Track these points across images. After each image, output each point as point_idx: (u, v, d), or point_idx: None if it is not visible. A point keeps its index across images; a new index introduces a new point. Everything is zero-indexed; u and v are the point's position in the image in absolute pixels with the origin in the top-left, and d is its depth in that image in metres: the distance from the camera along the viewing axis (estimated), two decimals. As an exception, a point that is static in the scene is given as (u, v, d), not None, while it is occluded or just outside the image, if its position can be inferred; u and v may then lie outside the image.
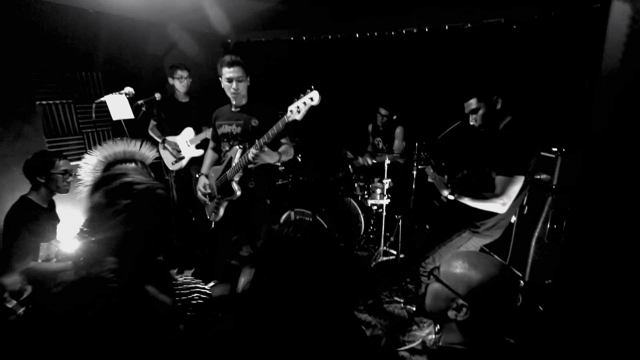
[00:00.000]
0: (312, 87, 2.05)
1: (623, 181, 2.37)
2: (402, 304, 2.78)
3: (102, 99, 2.16)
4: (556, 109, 3.01)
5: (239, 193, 2.35)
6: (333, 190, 3.64)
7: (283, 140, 2.38)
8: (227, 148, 2.43)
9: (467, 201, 1.98)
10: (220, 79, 2.32)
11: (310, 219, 0.92)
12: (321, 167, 3.73)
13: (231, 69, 2.25)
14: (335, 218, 3.21)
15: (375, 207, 3.41)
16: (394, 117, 3.69)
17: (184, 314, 1.07)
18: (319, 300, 0.83)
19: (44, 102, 2.88)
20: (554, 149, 2.61)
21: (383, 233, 3.37)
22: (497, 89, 1.95)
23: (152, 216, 0.96)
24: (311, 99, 2.04)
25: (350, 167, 3.69)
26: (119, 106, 2.14)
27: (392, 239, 3.51)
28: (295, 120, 2.06)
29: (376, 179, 3.40)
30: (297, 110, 2.03)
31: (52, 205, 2.20)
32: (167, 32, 3.82)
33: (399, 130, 3.69)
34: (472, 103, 1.98)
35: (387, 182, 3.27)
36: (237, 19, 3.84)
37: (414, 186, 2.91)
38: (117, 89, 2.45)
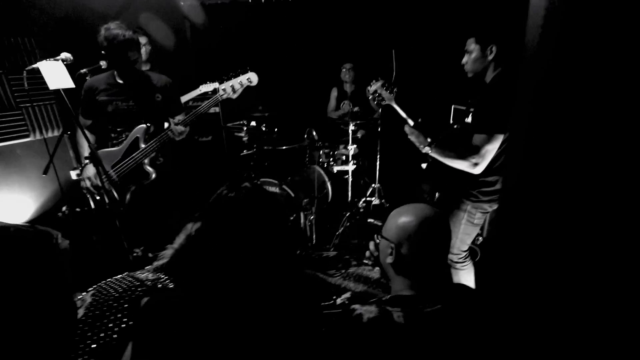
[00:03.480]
0: (248, 68, 2.10)
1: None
2: (371, 266, 2.88)
3: (34, 65, 1.94)
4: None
5: (154, 175, 2.17)
6: (299, 159, 3.61)
7: (180, 116, 2.24)
8: (122, 127, 2.20)
9: (438, 156, 1.87)
10: (104, 42, 2.08)
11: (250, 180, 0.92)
12: (286, 135, 3.66)
13: (132, 37, 2.05)
14: (302, 186, 3.20)
15: (344, 175, 3.43)
16: (351, 76, 3.61)
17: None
18: (263, 263, 0.83)
19: (-32, 74, 2.56)
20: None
21: (350, 199, 3.41)
22: (494, 36, 1.77)
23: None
24: (249, 79, 2.11)
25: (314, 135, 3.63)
26: (55, 74, 1.93)
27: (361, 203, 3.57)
28: (229, 99, 2.09)
29: (341, 146, 3.39)
30: (231, 90, 2.08)
31: None
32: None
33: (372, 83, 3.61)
34: (470, 42, 1.84)
35: (352, 148, 3.27)
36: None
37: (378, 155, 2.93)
38: (55, 55, 2.21)
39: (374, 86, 2.14)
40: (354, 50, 3.78)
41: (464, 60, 1.88)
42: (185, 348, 0.73)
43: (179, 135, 2.09)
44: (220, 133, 4.42)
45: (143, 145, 2.12)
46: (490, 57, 1.78)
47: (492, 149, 1.75)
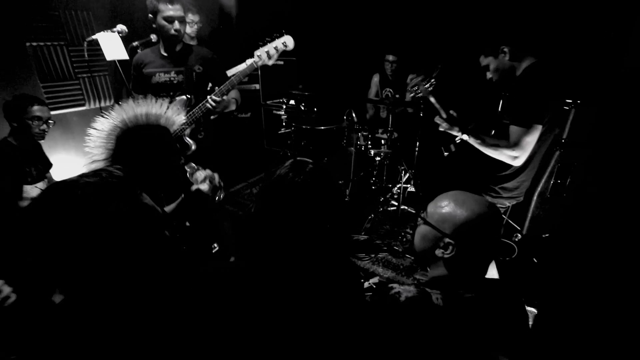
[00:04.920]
0: (284, 31, 1.98)
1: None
2: (401, 254, 2.86)
3: (93, 36, 2.04)
4: (573, 57, 2.83)
5: (194, 147, 2.12)
6: (336, 140, 3.59)
7: (232, 93, 2.23)
8: (165, 99, 2.26)
9: (478, 144, 1.83)
10: (151, 16, 2.08)
11: (311, 162, 0.91)
12: (324, 116, 3.64)
13: (173, 6, 2.03)
14: (338, 168, 3.20)
15: (378, 159, 3.38)
16: (394, 67, 3.51)
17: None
18: (318, 242, 0.84)
19: (34, 44, 2.75)
20: (568, 101, 2.49)
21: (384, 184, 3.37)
22: (503, 37, 1.76)
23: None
24: (284, 43, 1.98)
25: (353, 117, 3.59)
26: (112, 45, 2.03)
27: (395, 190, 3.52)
28: (265, 65, 2.01)
29: (380, 130, 3.33)
30: (267, 55, 1.98)
31: (35, 149, 2.17)
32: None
33: (412, 78, 3.51)
34: (482, 61, 1.86)
35: (390, 132, 3.20)
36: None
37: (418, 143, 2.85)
38: (109, 29, 2.31)
39: (414, 80, 2.11)
40: (398, 40, 3.65)
41: (488, 76, 1.88)
42: (237, 316, 0.78)
43: (217, 106, 2.06)
44: (259, 110, 4.49)
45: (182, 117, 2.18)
46: (507, 58, 1.76)
47: (531, 141, 1.72)
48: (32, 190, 2.09)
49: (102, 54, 2.14)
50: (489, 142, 1.82)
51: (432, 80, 2.24)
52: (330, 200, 0.86)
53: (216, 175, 1.45)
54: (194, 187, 1.40)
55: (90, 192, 0.67)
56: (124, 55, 2.10)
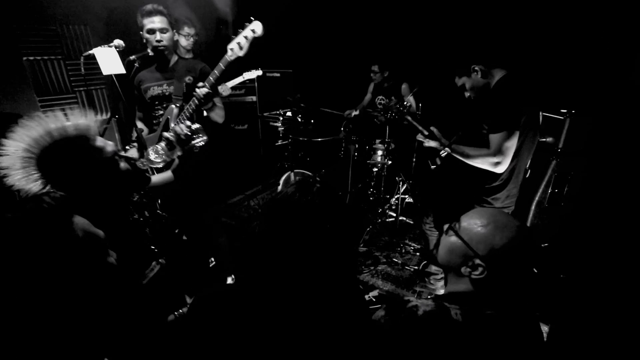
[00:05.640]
0: (252, 18, 1.94)
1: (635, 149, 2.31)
2: (400, 265, 2.84)
3: (90, 51, 2.04)
4: (563, 68, 2.88)
5: (179, 153, 2.10)
6: (334, 152, 3.59)
7: (215, 100, 2.23)
8: (161, 111, 2.28)
9: (458, 155, 1.91)
10: (141, 33, 2.15)
11: (318, 181, 0.86)
12: (321, 127, 3.65)
13: (151, 19, 2.09)
14: (336, 179, 3.19)
15: (375, 169, 3.38)
16: (385, 75, 3.56)
17: None
18: (323, 262, 0.82)
19: (31, 58, 2.75)
20: (563, 111, 2.52)
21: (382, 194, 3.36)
22: (475, 56, 1.84)
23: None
24: (253, 30, 1.93)
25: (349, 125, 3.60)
26: (109, 60, 2.03)
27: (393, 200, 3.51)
28: (239, 57, 1.98)
29: (377, 140, 3.34)
30: (238, 47, 1.95)
31: None
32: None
33: (404, 87, 3.54)
34: (457, 82, 1.94)
35: (387, 143, 3.21)
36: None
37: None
38: (107, 43, 2.32)
39: (389, 103, 2.21)
40: (385, 50, 3.73)
41: (466, 95, 1.95)
42: (234, 339, 0.76)
43: (205, 100, 2.08)
44: (256, 122, 4.50)
45: (172, 125, 2.17)
46: (479, 76, 1.83)
47: (511, 146, 1.76)
48: None
49: (99, 67, 2.15)
50: (470, 152, 1.88)
51: (405, 103, 2.40)
52: (338, 220, 0.83)
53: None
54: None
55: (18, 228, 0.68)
56: (121, 70, 2.09)
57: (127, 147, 2.26)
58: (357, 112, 3.88)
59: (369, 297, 2.45)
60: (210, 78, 2.05)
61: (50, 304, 0.68)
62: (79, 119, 1.06)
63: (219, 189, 2.58)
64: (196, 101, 2.09)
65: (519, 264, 0.88)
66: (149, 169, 2.16)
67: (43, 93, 2.85)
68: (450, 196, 2.21)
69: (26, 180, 0.97)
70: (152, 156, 2.19)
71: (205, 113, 2.25)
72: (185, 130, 1.84)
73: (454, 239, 0.95)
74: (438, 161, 1.98)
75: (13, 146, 0.97)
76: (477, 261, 0.89)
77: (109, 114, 3.29)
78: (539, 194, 2.62)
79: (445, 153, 1.95)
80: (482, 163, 1.84)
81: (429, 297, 2.28)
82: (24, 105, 2.65)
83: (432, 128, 1.99)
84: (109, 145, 1.11)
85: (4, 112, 1.98)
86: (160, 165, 2.18)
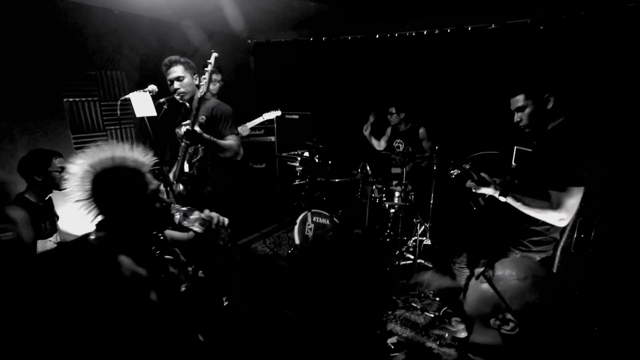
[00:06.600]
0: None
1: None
2: (419, 311, 2.72)
3: (127, 96, 2.20)
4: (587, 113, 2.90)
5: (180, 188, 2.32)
6: (350, 192, 3.61)
7: (230, 137, 2.38)
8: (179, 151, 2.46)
9: (516, 204, 1.74)
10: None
11: (360, 231, 0.86)
12: (339, 168, 3.70)
13: (170, 70, 2.32)
14: (353, 220, 3.17)
15: (392, 210, 3.36)
16: (401, 116, 3.63)
17: None
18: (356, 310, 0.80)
19: (70, 100, 2.96)
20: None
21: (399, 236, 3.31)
22: (549, 86, 1.72)
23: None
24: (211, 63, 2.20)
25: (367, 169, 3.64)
26: (142, 103, 2.18)
27: (411, 242, 3.44)
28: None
29: (394, 182, 3.35)
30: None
31: (49, 203, 2.19)
32: (188, 32, 3.87)
33: (422, 131, 3.61)
34: (519, 100, 1.77)
35: (404, 185, 3.21)
36: (256, 20, 3.87)
37: (433, 191, 2.85)
38: (140, 87, 2.50)
39: (457, 164, 2.07)
40: (401, 95, 3.85)
41: (517, 118, 1.82)
42: None
43: (187, 138, 2.21)
44: (274, 161, 4.61)
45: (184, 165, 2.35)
46: (549, 107, 1.71)
47: (576, 203, 1.65)
48: (47, 244, 2.10)
49: (132, 109, 2.30)
50: (529, 203, 1.74)
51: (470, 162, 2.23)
52: (375, 269, 0.82)
53: (216, 217, 1.42)
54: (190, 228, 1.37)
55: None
56: (153, 113, 2.24)
57: (174, 182, 2.37)
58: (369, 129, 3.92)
59: (388, 344, 2.34)
60: (203, 116, 2.23)
61: (98, 339, 0.69)
62: (139, 155, 1.21)
63: (234, 226, 2.60)
64: (186, 140, 2.24)
65: (555, 325, 0.82)
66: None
67: (77, 131, 3.03)
68: (484, 235, 2.11)
69: (78, 188, 1.11)
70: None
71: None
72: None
73: (485, 286, 0.89)
74: (482, 201, 1.88)
75: (84, 158, 1.13)
76: (509, 316, 0.83)
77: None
78: (564, 239, 2.53)
79: (503, 199, 1.78)
80: (544, 216, 1.71)
81: (450, 341, 2.15)
82: (61, 141, 2.82)
83: (482, 174, 1.85)
84: (154, 184, 1.21)
85: (44, 148, 2.11)
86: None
